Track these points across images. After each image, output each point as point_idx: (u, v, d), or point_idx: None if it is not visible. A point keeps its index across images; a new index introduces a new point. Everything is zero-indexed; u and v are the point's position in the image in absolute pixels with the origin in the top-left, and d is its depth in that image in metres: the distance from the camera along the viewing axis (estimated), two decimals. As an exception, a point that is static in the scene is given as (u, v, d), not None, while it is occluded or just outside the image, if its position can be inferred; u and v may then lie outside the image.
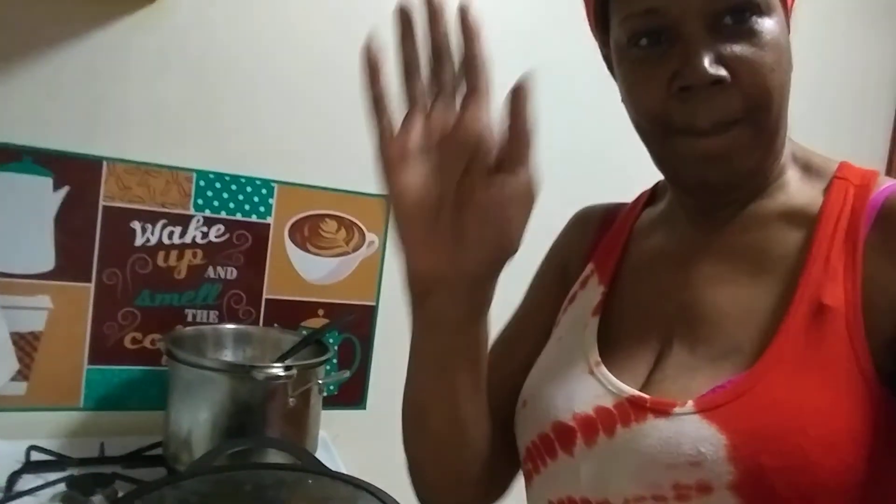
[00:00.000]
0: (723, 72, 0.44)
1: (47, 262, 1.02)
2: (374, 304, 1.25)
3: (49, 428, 1.04)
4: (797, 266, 0.46)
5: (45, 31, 1.00)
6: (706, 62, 0.44)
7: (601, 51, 0.55)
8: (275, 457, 0.95)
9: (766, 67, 0.45)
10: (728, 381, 0.43)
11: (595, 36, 0.55)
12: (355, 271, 1.22)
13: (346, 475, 0.86)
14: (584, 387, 0.49)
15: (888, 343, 0.42)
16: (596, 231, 0.63)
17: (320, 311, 1.20)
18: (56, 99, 1.01)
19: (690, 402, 0.43)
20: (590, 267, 0.59)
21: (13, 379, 1.00)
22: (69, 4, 1.01)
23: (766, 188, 0.51)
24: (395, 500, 0.80)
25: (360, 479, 0.84)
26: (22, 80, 0.99)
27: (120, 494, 0.79)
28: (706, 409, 0.42)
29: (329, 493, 0.83)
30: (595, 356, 0.50)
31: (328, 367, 1.11)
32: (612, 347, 0.51)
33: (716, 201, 0.52)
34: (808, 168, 0.52)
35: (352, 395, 1.26)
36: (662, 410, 0.44)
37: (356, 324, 1.23)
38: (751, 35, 0.45)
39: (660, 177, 0.55)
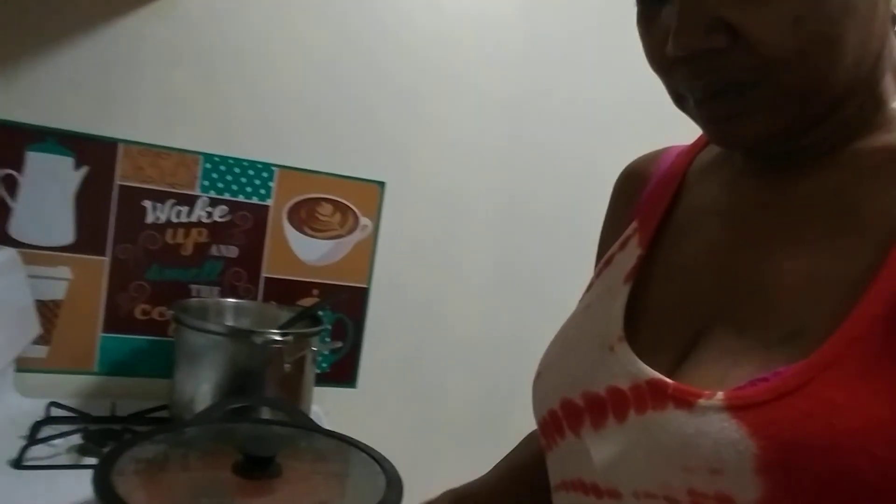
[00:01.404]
0: (718, 40, 0.36)
1: (68, 235, 1.12)
2: (366, 286, 1.33)
3: (67, 389, 1.14)
4: (894, 228, 0.35)
5: (67, 21, 1.09)
6: (694, 29, 0.36)
7: None
8: (271, 417, 1.03)
9: (785, 21, 0.35)
10: (773, 372, 0.34)
11: None
12: (349, 254, 1.30)
13: (337, 433, 0.92)
14: (600, 364, 0.43)
15: None
16: (646, 184, 0.54)
17: (315, 291, 1.28)
18: (76, 84, 1.10)
19: (720, 395, 0.35)
20: (633, 225, 0.51)
21: (35, 342, 1.09)
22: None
23: (862, 124, 0.40)
24: (380, 454, 0.86)
25: (350, 437, 0.90)
26: (46, 67, 1.08)
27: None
28: (738, 405, 0.34)
29: (320, 448, 0.90)
30: (619, 331, 0.43)
31: (322, 340, 1.19)
32: (644, 322, 0.44)
33: (778, 149, 0.42)
34: None
35: (344, 373, 1.33)
36: (685, 400, 0.36)
37: (349, 305, 1.31)
38: None
39: None
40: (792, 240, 0.40)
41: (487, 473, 0.64)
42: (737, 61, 0.37)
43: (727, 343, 0.39)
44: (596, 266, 0.56)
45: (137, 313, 1.18)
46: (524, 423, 0.71)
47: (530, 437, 0.66)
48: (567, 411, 0.44)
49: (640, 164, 0.57)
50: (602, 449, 0.40)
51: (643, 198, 0.53)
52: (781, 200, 0.42)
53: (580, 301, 0.53)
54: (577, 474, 0.43)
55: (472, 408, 1.44)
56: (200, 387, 1.04)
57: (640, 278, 0.47)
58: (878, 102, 0.40)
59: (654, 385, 0.39)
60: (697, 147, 0.52)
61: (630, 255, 0.48)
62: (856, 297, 0.34)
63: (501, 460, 0.65)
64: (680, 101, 0.42)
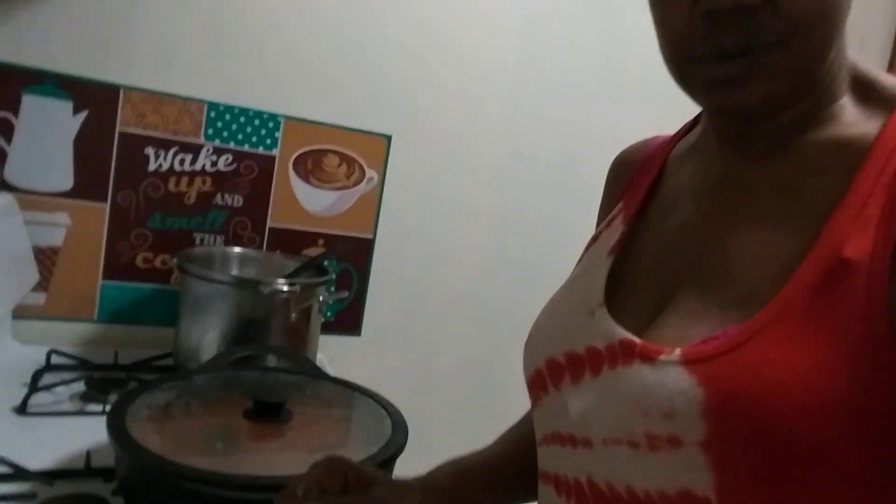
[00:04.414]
0: None
1: (66, 181, 1.09)
2: (371, 237, 1.32)
3: (66, 337, 1.12)
4: (830, 210, 0.40)
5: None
6: None
7: None
8: (278, 365, 1.03)
9: None
10: (723, 331, 0.39)
11: None
12: (354, 205, 1.29)
13: (343, 380, 0.93)
14: (581, 326, 0.48)
15: None
16: (634, 169, 0.59)
17: (320, 241, 1.27)
18: (75, 25, 1.06)
19: (678, 351, 0.40)
20: (619, 206, 0.56)
21: (33, 290, 1.07)
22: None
23: (814, 118, 0.44)
24: (386, 399, 0.87)
25: (355, 383, 0.91)
26: (44, 6, 1.04)
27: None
28: (691, 360, 0.39)
29: (327, 394, 0.91)
30: (599, 297, 0.48)
31: (328, 290, 1.18)
32: (622, 290, 0.49)
33: (748, 130, 0.47)
34: (871, 93, 0.45)
35: (348, 322, 1.34)
36: (649, 356, 0.41)
37: (354, 255, 1.31)
38: None
39: None
40: (749, 217, 0.45)
41: (490, 445, 0.67)
42: (764, 21, 0.40)
43: (690, 306, 0.44)
44: None
45: (139, 261, 1.16)
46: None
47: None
48: (551, 369, 0.49)
49: (629, 152, 0.62)
50: (578, 401, 0.45)
51: (630, 182, 0.58)
52: (744, 182, 0.47)
53: (570, 274, 0.57)
54: (556, 427, 0.48)
55: (474, 357, 1.47)
56: (206, 335, 1.03)
57: (623, 252, 0.52)
58: (830, 98, 0.45)
59: (624, 344, 0.44)
60: (678, 136, 0.57)
61: (615, 232, 0.54)
62: (794, 269, 0.39)
63: (505, 432, 0.69)
64: (686, 64, 0.44)
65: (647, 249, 0.51)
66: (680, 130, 0.58)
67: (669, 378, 0.39)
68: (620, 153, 0.63)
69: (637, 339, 0.43)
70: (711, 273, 0.44)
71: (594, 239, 0.57)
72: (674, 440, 0.38)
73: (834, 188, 0.41)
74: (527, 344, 0.55)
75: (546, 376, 0.50)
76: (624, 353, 0.43)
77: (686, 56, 0.44)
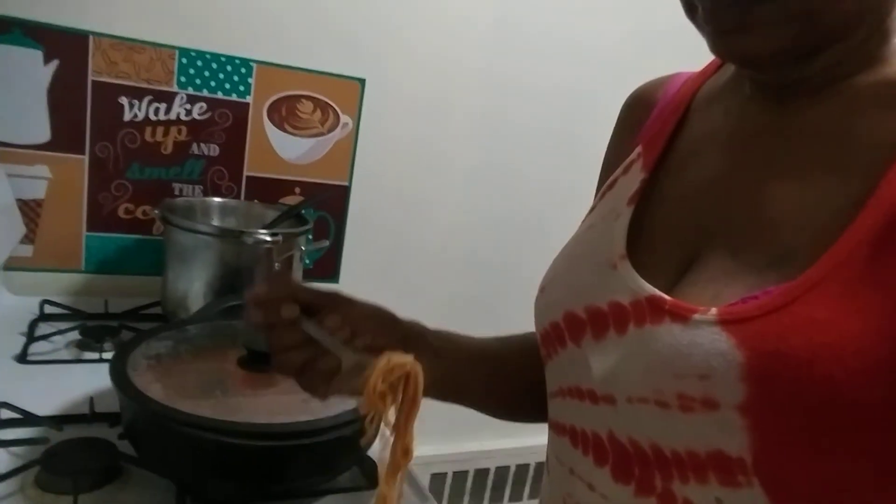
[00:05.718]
0: None
1: (44, 133, 1.09)
2: (347, 184, 1.34)
3: (56, 287, 1.15)
4: (887, 159, 0.36)
5: None
6: None
7: None
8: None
9: None
10: (763, 291, 0.36)
11: None
12: (330, 152, 1.31)
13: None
14: (603, 280, 0.45)
15: None
16: (652, 109, 0.54)
17: (297, 189, 1.30)
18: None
19: (714, 310, 0.37)
20: (637, 150, 0.52)
21: (21, 242, 1.09)
22: None
23: (865, 58, 0.41)
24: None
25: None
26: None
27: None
28: (728, 320, 0.36)
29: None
30: (621, 249, 0.45)
31: (307, 240, 1.22)
32: (644, 242, 0.46)
33: (779, 77, 0.43)
34: None
35: (326, 269, 1.38)
36: (681, 315, 0.39)
37: (330, 203, 1.33)
38: None
39: None
40: (788, 168, 0.41)
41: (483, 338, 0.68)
42: None
43: (722, 264, 0.41)
44: (598, 189, 0.57)
45: (121, 212, 1.18)
46: (505, 318, 0.77)
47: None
48: (569, 323, 0.47)
49: (646, 89, 0.57)
50: (601, 358, 0.43)
51: (648, 123, 0.53)
52: (782, 129, 0.43)
53: (582, 222, 0.55)
54: (575, 382, 0.46)
55: (451, 305, 1.51)
56: (192, 285, 1.07)
57: (643, 201, 0.48)
58: (885, 35, 0.41)
59: (653, 301, 0.41)
60: (706, 74, 0.53)
61: (634, 179, 0.50)
62: (844, 224, 0.36)
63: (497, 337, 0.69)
64: (691, 11, 0.43)
65: (670, 200, 0.47)
66: (708, 68, 0.53)
67: (705, 339, 0.37)
68: (636, 90, 0.58)
69: (667, 297, 0.41)
70: (746, 229, 0.41)
71: (610, 185, 0.53)
72: (709, 402, 0.36)
73: (893, 133, 0.37)
74: (540, 295, 0.52)
75: (564, 330, 0.47)
76: (652, 311, 0.41)
77: (687, 5, 0.43)
